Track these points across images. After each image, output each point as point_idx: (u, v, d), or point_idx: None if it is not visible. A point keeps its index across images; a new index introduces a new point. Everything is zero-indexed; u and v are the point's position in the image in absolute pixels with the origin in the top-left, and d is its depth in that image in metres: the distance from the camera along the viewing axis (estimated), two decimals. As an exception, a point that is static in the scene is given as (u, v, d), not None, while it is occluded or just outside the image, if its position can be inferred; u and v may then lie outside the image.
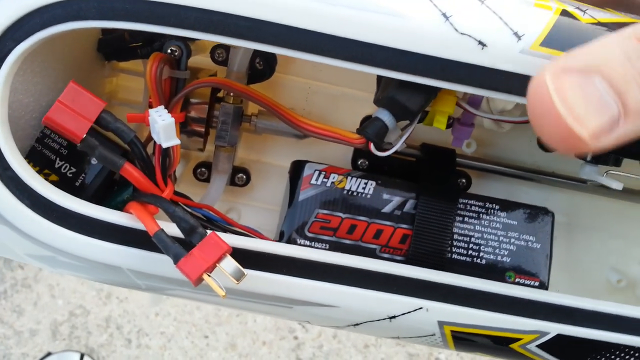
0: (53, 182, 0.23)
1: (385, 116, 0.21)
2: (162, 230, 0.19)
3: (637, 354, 0.23)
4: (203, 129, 0.25)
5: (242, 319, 0.83)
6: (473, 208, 0.26)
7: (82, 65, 0.24)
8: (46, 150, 0.24)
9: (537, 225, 0.26)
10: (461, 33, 0.18)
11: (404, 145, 0.22)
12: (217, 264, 0.19)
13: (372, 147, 0.21)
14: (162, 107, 0.20)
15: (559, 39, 0.19)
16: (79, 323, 0.83)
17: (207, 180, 0.27)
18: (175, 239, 0.19)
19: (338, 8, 0.18)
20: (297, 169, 0.26)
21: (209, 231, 0.19)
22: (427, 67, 0.19)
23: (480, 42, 0.19)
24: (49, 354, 0.80)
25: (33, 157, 0.23)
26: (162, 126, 0.20)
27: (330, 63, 0.19)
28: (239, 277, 0.19)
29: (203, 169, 0.27)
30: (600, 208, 0.29)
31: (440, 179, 0.26)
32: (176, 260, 0.19)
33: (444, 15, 0.19)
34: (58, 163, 0.23)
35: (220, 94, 0.25)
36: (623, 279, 0.28)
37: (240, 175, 0.27)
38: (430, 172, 0.26)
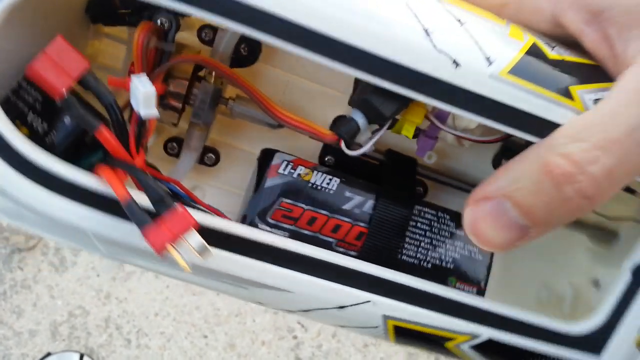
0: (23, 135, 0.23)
1: (359, 117, 0.22)
2: (132, 197, 0.20)
3: None
4: (180, 105, 0.25)
5: (241, 319, 0.84)
6: (426, 215, 0.27)
7: (68, 24, 0.24)
8: (20, 102, 0.23)
9: (483, 238, 0.28)
10: (439, 50, 0.20)
11: (372, 148, 0.23)
12: (182, 237, 0.19)
13: (342, 144, 0.23)
14: (145, 74, 0.21)
15: (525, 69, 0.21)
16: (78, 323, 0.82)
17: (177, 155, 0.27)
18: (143, 209, 0.20)
19: (328, 7, 0.19)
20: (266, 156, 0.27)
21: (176, 204, 0.20)
22: (402, 76, 0.20)
23: (454, 61, 0.20)
24: (48, 354, 0.79)
25: (6, 107, 0.23)
26: (143, 94, 0.20)
27: (313, 58, 0.20)
28: (203, 252, 0.19)
29: (174, 144, 0.27)
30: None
31: (399, 185, 0.28)
32: (142, 227, 0.19)
33: (426, 31, 0.20)
34: (30, 116, 0.23)
35: (201, 73, 0.26)
36: (552, 296, 0.30)
37: (210, 155, 0.28)
38: (392, 178, 0.28)
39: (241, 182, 0.29)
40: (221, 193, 0.29)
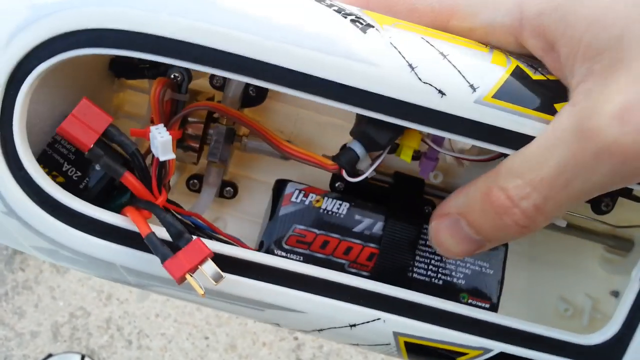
0: (60, 183, 0.26)
1: (357, 147, 0.24)
2: (153, 232, 0.22)
3: None
4: (198, 145, 0.28)
5: (242, 320, 0.84)
6: (435, 233, 0.28)
7: (95, 81, 0.27)
8: (56, 154, 0.26)
9: (492, 253, 0.28)
10: (424, 82, 0.21)
11: (373, 173, 0.25)
12: (199, 266, 0.21)
13: (344, 173, 0.24)
14: (162, 125, 0.23)
15: (509, 93, 0.22)
16: (79, 325, 0.83)
17: (198, 191, 0.30)
18: (164, 241, 0.22)
19: (322, 54, 0.21)
20: (279, 187, 0.29)
21: (194, 237, 0.22)
22: (393, 108, 0.22)
23: (440, 91, 0.22)
24: (50, 355, 0.80)
25: (44, 160, 0.26)
26: (161, 142, 0.23)
27: (311, 99, 0.22)
28: (218, 279, 0.21)
29: (195, 181, 0.29)
30: (553, 241, 0.31)
31: (408, 206, 0.29)
32: (163, 260, 0.21)
33: (410, 66, 0.22)
34: (65, 167, 0.26)
35: (215, 115, 0.28)
36: (570, 308, 0.31)
37: (229, 188, 0.30)
38: (400, 199, 0.29)
39: (259, 211, 0.31)
40: (241, 222, 0.31)
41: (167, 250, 0.22)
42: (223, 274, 0.21)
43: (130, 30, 0.21)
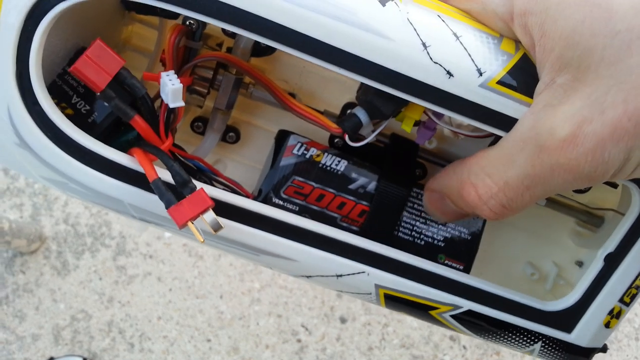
0: (68, 115, 0.26)
1: (362, 114, 0.25)
2: (159, 178, 0.23)
3: (525, 335, 0.29)
4: (206, 90, 0.28)
5: (244, 322, 0.84)
6: (422, 198, 0.30)
7: (107, 14, 0.27)
8: (65, 85, 0.27)
9: (472, 221, 0.30)
10: (434, 62, 0.22)
11: (374, 139, 0.26)
12: (200, 215, 0.23)
13: (346, 137, 0.25)
14: (173, 72, 0.24)
15: (513, 80, 0.23)
16: (81, 327, 0.82)
17: (202, 133, 0.30)
18: (169, 186, 0.23)
19: (339, 23, 0.21)
20: (282, 137, 0.30)
21: (198, 187, 0.23)
22: (401, 83, 0.22)
23: (448, 72, 0.22)
24: (51, 358, 0.80)
25: (53, 90, 0.26)
26: (172, 89, 0.23)
27: (323, 66, 0.22)
28: (217, 228, 0.23)
29: (199, 123, 0.30)
30: (530, 210, 0.33)
31: (400, 168, 0.30)
32: (168, 206, 0.23)
33: (424, 44, 0.22)
34: (75, 99, 0.27)
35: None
36: (536, 273, 0.33)
37: (231, 134, 0.31)
38: (394, 160, 0.30)
39: (260, 157, 0.32)
40: (241, 167, 0.33)
41: (171, 196, 0.23)
42: (222, 224, 0.23)
43: None
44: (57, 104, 0.26)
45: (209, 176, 0.29)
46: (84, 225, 0.86)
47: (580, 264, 0.33)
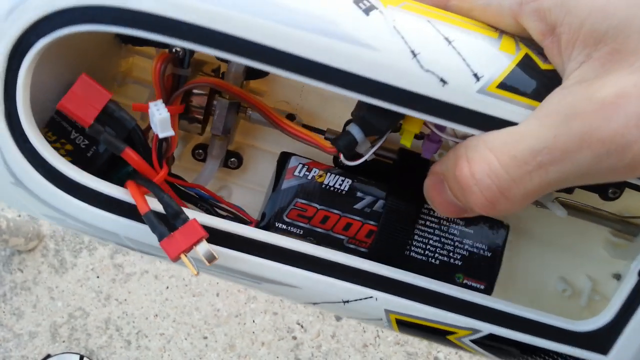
0: (68, 151, 0.26)
1: (356, 131, 0.23)
2: (151, 211, 0.23)
3: (557, 358, 0.26)
4: (202, 117, 0.28)
5: (240, 319, 0.84)
6: (436, 214, 0.28)
7: (102, 48, 0.27)
8: (64, 121, 0.27)
9: (492, 235, 0.28)
10: (426, 70, 0.21)
11: (374, 155, 0.25)
12: (193, 247, 0.22)
13: (341, 156, 0.24)
14: (161, 101, 0.23)
15: (514, 83, 0.21)
16: (78, 325, 0.83)
17: (204, 160, 0.30)
18: (163, 219, 0.23)
19: (320, 37, 0.21)
20: (283, 159, 0.29)
21: (190, 218, 0.23)
22: (392, 95, 0.21)
23: (441, 80, 0.21)
24: (48, 356, 0.80)
25: (52, 127, 0.26)
26: (159, 120, 0.23)
27: (308, 82, 0.21)
28: (211, 260, 0.22)
29: (200, 150, 0.30)
30: (559, 222, 0.31)
31: (410, 184, 0.29)
32: (160, 238, 0.22)
33: (413, 52, 0.21)
34: (73, 134, 0.27)
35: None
36: (568, 289, 0.31)
37: (233, 159, 0.30)
38: (402, 176, 0.29)
39: (264, 180, 0.31)
40: (246, 191, 0.32)
41: (164, 229, 0.22)
42: (217, 254, 0.22)
43: (126, 7, 0.21)
44: (57, 141, 0.26)
45: (211, 203, 0.28)
46: (81, 224, 0.88)
47: (618, 277, 0.30)
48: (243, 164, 0.31)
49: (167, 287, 0.86)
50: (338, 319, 0.83)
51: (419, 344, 0.83)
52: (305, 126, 0.30)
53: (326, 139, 0.29)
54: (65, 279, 0.85)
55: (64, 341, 0.82)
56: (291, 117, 0.29)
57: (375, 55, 0.21)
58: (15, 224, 0.80)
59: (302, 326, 0.84)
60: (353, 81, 0.21)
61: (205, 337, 0.84)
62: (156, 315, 0.84)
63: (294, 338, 0.84)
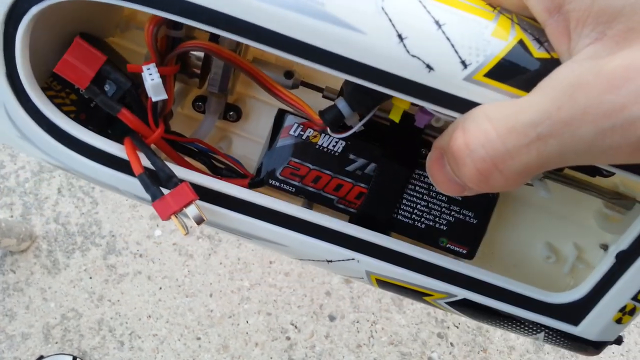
0: (72, 100, 0.27)
1: (343, 106, 0.23)
2: (145, 172, 0.24)
3: (526, 324, 0.28)
4: (199, 71, 0.28)
5: (234, 320, 0.83)
6: (426, 180, 0.29)
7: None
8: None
9: (480, 203, 0.29)
10: (412, 55, 0.20)
11: (362, 128, 0.25)
12: (184, 209, 0.24)
13: (328, 130, 0.24)
14: (154, 65, 0.24)
15: (504, 72, 0.20)
16: (71, 326, 0.82)
17: (204, 111, 0.31)
18: (156, 179, 0.24)
19: (304, 17, 0.20)
20: (280, 117, 0.29)
21: (181, 182, 0.24)
22: (378, 78, 0.21)
23: (428, 66, 0.20)
24: (41, 357, 0.80)
25: (57, 78, 0.27)
26: (151, 85, 0.23)
27: (298, 61, 0.21)
28: (200, 222, 0.24)
29: (200, 103, 0.30)
30: (553, 190, 0.31)
31: (404, 148, 0.29)
32: (153, 199, 0.24)
33: (400, 36, 0.20)
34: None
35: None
36: (552, 256, 0.32)
37: (232, 113, 0.31)
38: (397, 140, 0.29)
39: (263, 132, 0.32)
40: (246, 142, 0.33)
41: (156, 190, 0.24)
42: (205, 217, 0.24)
43: None
44: (62, 90, 0.27)
45: (209, 156, 0.30)
46: (74, 224, 0.87)
47: (605, 247, 0.31)
48: (244, 115, 0.32)
49: (160, 288, 0.85)
50: (332, 319, 0.83)
51: (412, 344, 0.83)
52: (304, 83, 0.30)
53: (323, 97, 0.30)
54: (58, 280, 0.84)
55: (56, 342, 0.81)
56: (289, 74, 0.28)
57: (361, 38, 0.20)
58: (7, 224, 0.80)
59: (295, 326, 0.84)
60: (338, 62, 0.21)
61: (199, 338, 0.83)
62: (149, 316, 0.84)
63: (288, 338, 0.83)
